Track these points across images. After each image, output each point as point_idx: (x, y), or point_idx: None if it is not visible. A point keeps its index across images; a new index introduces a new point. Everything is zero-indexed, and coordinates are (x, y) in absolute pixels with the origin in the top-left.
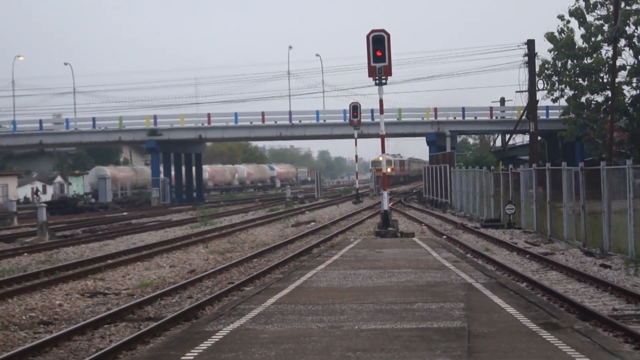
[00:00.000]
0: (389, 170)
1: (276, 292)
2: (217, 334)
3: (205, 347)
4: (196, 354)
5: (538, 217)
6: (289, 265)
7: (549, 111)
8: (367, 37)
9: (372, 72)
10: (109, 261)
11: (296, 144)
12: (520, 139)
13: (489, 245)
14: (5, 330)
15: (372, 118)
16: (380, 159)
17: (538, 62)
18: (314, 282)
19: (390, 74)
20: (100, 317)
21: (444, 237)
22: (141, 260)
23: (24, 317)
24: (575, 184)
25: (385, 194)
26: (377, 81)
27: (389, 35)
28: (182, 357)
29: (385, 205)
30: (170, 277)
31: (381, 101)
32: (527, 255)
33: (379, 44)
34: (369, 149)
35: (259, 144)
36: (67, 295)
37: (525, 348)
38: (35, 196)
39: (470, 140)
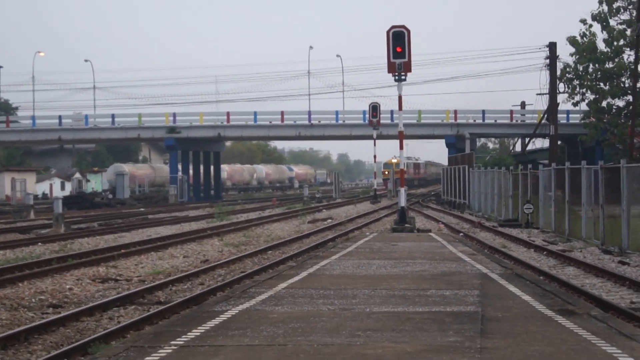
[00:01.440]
0: (395, 174)
1: (288, 278)
2: (225, 313)
3: (212, 325)
4: (202, 330)
5: (556, 218)
6: (303, 256)
7: (570, 115)
8: (387, 32)
9: (391, 68)
10: (123, 251)
11: (315, 146)
12: (540, 144)
13: (506, 243)
14: (13, 311)
15: (392, 119)
16: (394, 160)
17: (559, 66)
18: (327, 270)
19: (410, 70)
20: (110, 299)
21: (461, 234)
22: (155, 251)
23: (33, 300)
24: (595, 184)
25: (402, 190)
26: (396, 77)
27: (409, 32)
28: (189, 333)
29: (403, 202)
30: (184, 267)
31: (400, 97)
32: (545, 252)
33: (398, 39)
34: (387, 152)
35: (278, 145)
36: (78, 280)
37: (540, 331)
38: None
39: (490, 145)
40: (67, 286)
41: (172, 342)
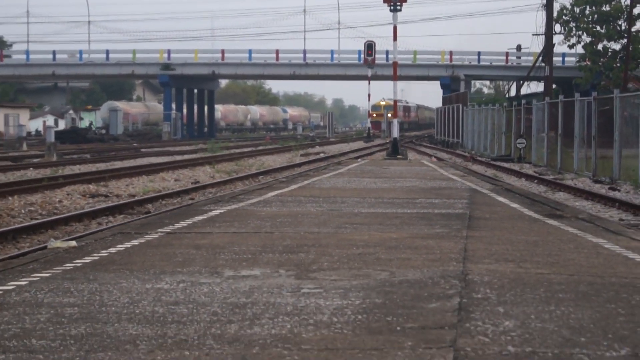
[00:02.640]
0: (389, 115)
1: (278, 189)
2: (213, 211)
3: (199, 219)
4: (190, 222)
5: (548, 154)
6: (294, 175)
7: (565, 58)
8: None
9: None
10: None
11: (310, 89)
12: (535, 89)
13: (498, 173)
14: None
15: (387, 59)
16: (382, 103)
17: (556, 7)
18: (316, 184)
19: (406, 0)
20: (99, 208)
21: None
22: (146, 175)
23: (22, 211)
24: (588, 117)
25: (395, 121)
26: (391, 7)
27: None
28: (176, 224)
29: (395, 133)
30: (175, 188)
31: (395, 28)
32: (536, 181)
33: None
34: (382, 95)
35: (273, 88)
36: (68, 195)
37: (527, 226)
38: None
39: (485, 90)
40: (57, 199)
41: (159, 230)
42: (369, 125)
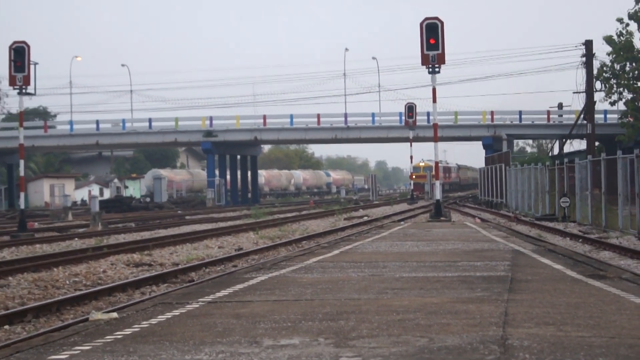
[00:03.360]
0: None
1: (320, 255)
2: (254, 279)
3: (241, 287)
4: (231, 290)
5: (593, 212)
6: (337, 240)
7: (607, 115)
8: (421, 24)
9: (425, 60)
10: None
11: (353, 153)
12: (577, 146)
13: (542, 233)
14: (45, 290)
15: (428, 121)
16: (422, 164)
17: (596, 64)
18: (359, 248)
19: (444, 62)
20: (142, 277)
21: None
22: (190, 242)
23: (67, 282)
24: (631, 174)
25: (437, 183)
26: (430, 69)
27: (442, 23)
28: (217, 293)
29: (438, 194)
30: (218, 255)
31: (434, 89)
32: (580, 240)
33: (432, 31)
34: (425, 155)
35: (316, 152)
36: (112, 264)
37: (568, 288)
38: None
39: (528, 149)
40: (101, 269)
41: (200, 299)
42: (412, 188)
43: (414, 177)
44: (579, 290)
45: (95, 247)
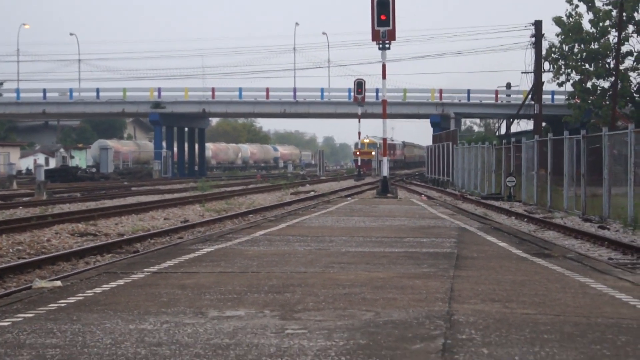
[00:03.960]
0: (372, 154)
1: (266, 228)
2: (200, 250)
3: (186, 258)
4: (176, 262)
5: (538, 192)
6: (284, 214)
7: (554, 96)
8: (372, 0)
9: (375, 36)
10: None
11: (301, 128)
12: (525, 126)
13: (488, 212)
14: None
15: (377, 97)
16: (366, 140)
17: (545, 45)
18: (305, 222)
19: (394, 39)
20: (87, 247)
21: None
22: (136, 213)
23: (10, 250)
24: (577, 154)
25: (384, 160)
26: (380, 45)
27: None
28: (162, 264)
29: (385, 171)
30: (164, 227)
31: (384, 66)
32: (525, 219)
33: (383, 7)
34: (374, 132)
35: (264, 126)
36: (56, 234)
37: (514, 265)
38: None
39: (475, 128)
40: (45, 238)
41: (145, 269)
42: (359, 164)
43: (358, 153)
44: (525, 268)
45: (39, 216)
